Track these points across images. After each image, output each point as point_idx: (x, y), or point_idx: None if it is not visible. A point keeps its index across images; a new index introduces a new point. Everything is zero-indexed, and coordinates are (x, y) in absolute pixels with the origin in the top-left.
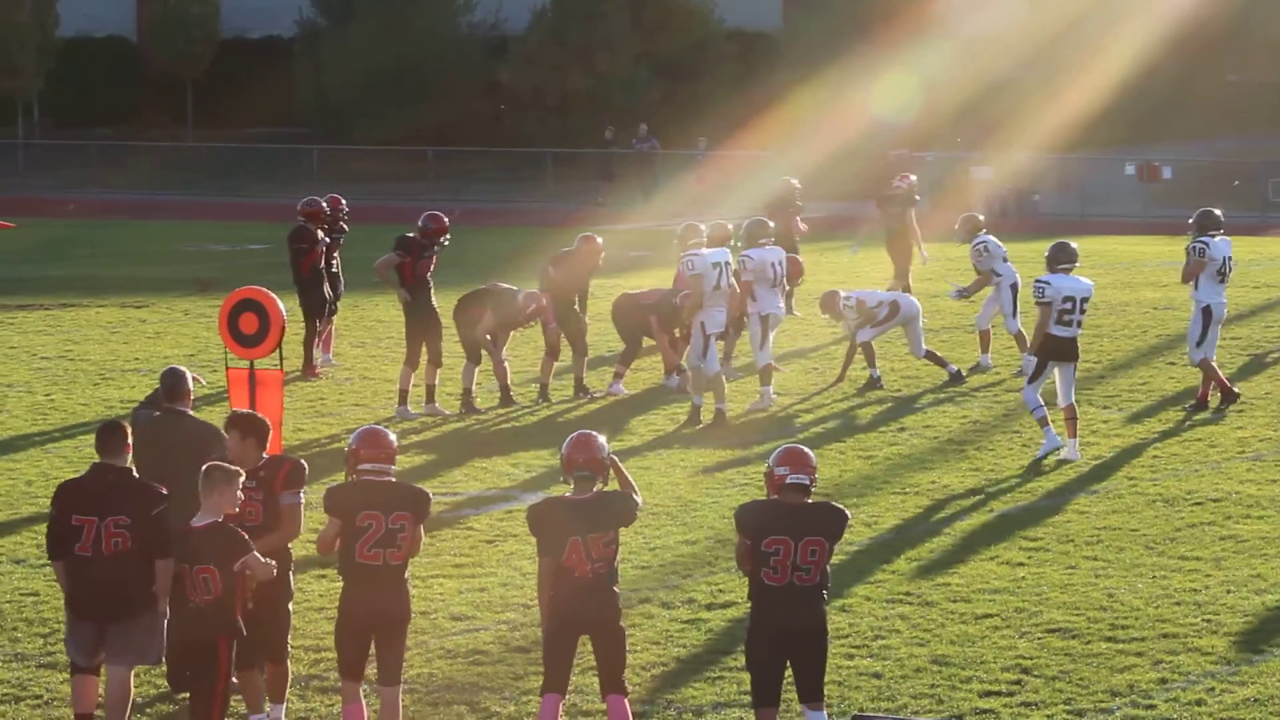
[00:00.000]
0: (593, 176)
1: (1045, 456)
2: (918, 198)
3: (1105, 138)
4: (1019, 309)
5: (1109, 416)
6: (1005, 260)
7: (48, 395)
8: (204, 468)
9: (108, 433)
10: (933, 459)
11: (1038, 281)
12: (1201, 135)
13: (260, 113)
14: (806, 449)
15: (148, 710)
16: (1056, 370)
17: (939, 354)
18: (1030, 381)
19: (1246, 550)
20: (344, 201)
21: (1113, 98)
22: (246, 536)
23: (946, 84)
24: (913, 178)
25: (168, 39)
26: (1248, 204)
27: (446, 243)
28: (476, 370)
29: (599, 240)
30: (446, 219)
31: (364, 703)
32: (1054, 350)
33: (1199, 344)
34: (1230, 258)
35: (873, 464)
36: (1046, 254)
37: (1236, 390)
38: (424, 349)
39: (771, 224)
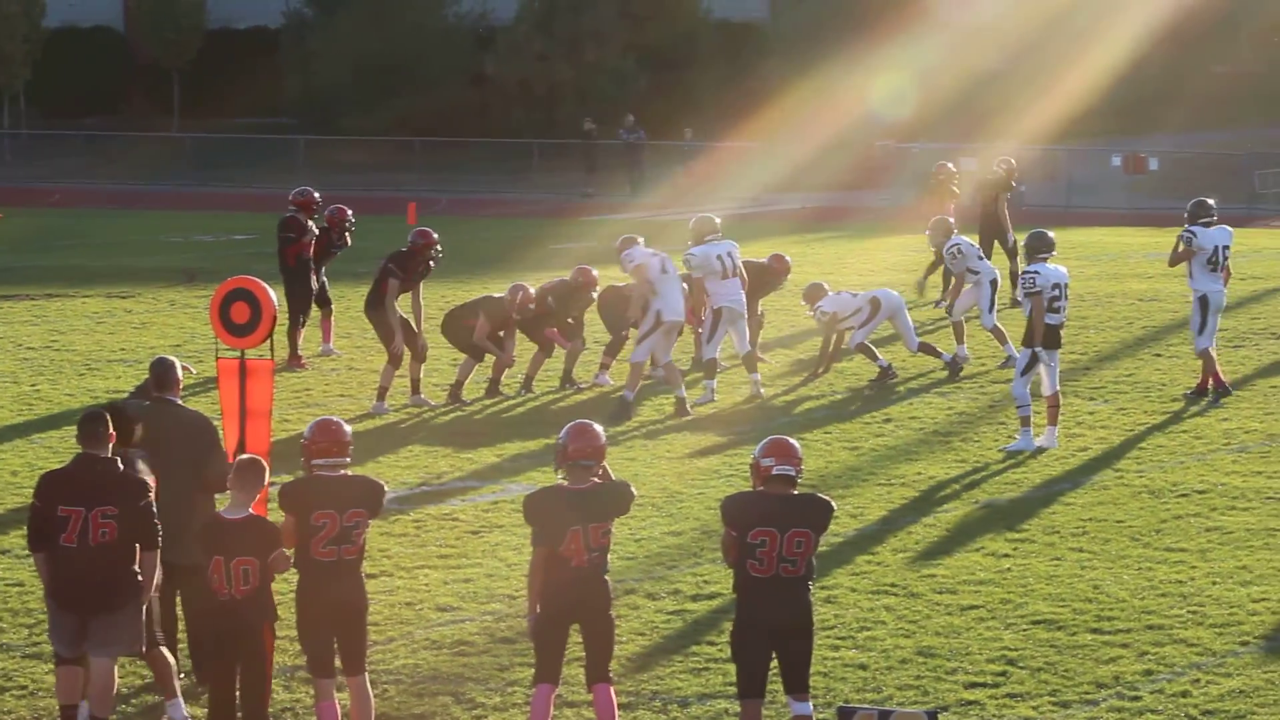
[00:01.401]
0: (579, 168)
1: (1016, 453)
2: (1015, 184)
3: (1092, 129)
4: (996, 305)
5: (1095, 408)
6: (981, 258)
7: (33, 386)
8: (239, 460)
9: (90, 422)
10: (918, 450)
11: (1024, 273)
12: (1188, 127)
13: (247, 103)
14: (792, 440)
15: (132, 700)
16: (1043, 358)
17: (933, 345)
18: (1022, 374)
19: (1232, 542)
20: (349, 212)
21: (1100, 89)
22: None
23: (933, 75)
24: (1012, 160)
25: (154, 29)
26: (1234, 196)
27: (440, 254)
28: (475, 367)
29: (595, 273)
30: (434, 234)
31: (336, 700)
32: (1045, 339)
33: (1200, 333)
34: (1226, 247)
35: (858, 455)
36: (1025, 244)
37: (1229, 385)
38: (405, 347)
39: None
